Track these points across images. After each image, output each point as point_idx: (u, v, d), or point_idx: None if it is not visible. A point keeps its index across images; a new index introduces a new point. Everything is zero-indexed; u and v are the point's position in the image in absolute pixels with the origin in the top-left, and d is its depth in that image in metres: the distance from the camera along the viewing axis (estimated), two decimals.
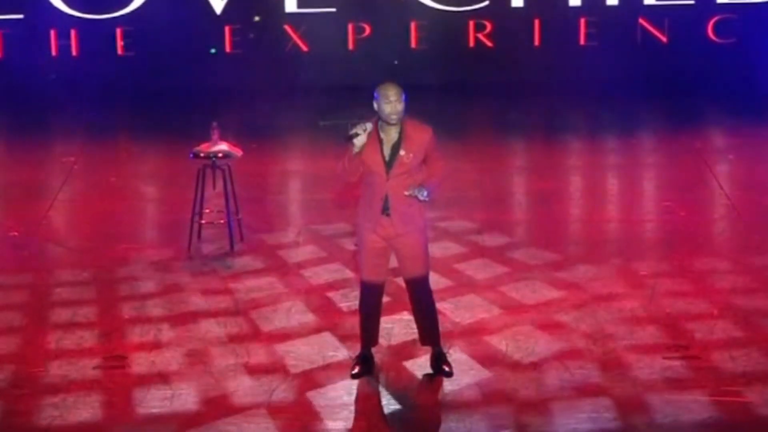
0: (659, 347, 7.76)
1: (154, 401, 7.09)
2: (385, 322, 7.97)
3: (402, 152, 7.06)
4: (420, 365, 7.51)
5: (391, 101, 6.98)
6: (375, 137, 7.08)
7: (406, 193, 7.03)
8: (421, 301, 7.40)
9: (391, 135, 7.08)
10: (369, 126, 7.03)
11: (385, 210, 7.13)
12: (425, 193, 7.03)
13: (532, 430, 6.66)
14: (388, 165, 7.08)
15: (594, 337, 7.97)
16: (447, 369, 7.38)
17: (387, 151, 7.07)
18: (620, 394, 7.04)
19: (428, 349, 7.49)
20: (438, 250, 10.02)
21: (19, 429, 6.73)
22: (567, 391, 7.10)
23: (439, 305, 8.61)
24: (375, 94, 7.07)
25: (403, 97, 7.04)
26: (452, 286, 9.13)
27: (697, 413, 6.76)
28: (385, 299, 7.66)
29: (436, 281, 9.18)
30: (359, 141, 7.00)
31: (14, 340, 8.18)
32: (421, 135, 7.13)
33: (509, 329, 8.17)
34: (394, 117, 7.00)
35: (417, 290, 7.37)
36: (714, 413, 6.74)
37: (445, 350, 7.52)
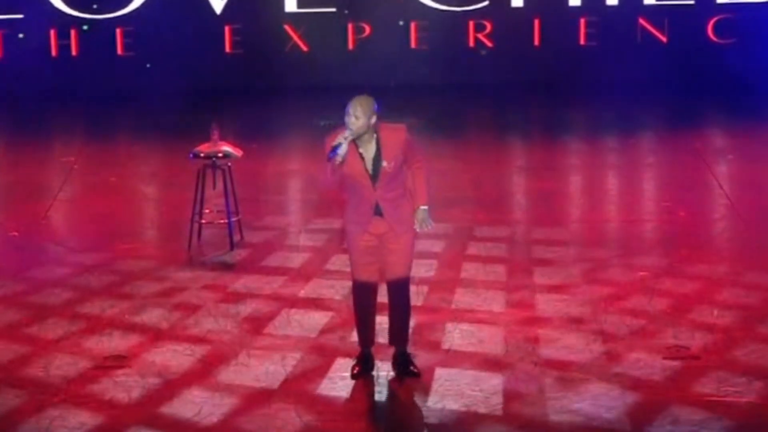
0: (659, 347, 7.76)
1: (154, 401, 7.09)
2: (384, 322, 7.98)
3: (384, 163, 7.00)
4: (420, 365, 7.49)
5: (350, 115, 6.90)
6: (355, 152, 7.00)
7: (417, 227, 7.15)
8: (399, 303, 7.36)
9: (369, 148, 7.01)
10: (347, 134, 6.91)
11: (377, 214, 7.13)
12: (430, 223, 7.19)
13: (531, 429, 6.66)
14: (374, 178, 7.04)
15: (594, 337, 7.97)
16: (415, 370, 7.35)
17: (369, 165, 7.01)
18: (620, 394, 7.04)
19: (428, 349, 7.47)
20: (437, 250, 10.03)
21: (19, 429, 6.73)
22: (566, 391, 7.10)
23: (439, 304, 8.62)
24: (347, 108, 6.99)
25: (374, 108, 6.93)
26: (451, 286, 9.13)
27: (697, 413, 6.76)
28: (382, 299, 7.64)
29: (436, 281, 9.19)
30: (342, 151, 6.90)
31: (14, 340, 8.18)
32: (396, 137, 7.05)
33: (508, 329, 8.17)
34: (351, 129, 6.92)
35: (397, 292, 7.32)
36: (714, 413, 6.74)
37: (410, 351, 7.49)
